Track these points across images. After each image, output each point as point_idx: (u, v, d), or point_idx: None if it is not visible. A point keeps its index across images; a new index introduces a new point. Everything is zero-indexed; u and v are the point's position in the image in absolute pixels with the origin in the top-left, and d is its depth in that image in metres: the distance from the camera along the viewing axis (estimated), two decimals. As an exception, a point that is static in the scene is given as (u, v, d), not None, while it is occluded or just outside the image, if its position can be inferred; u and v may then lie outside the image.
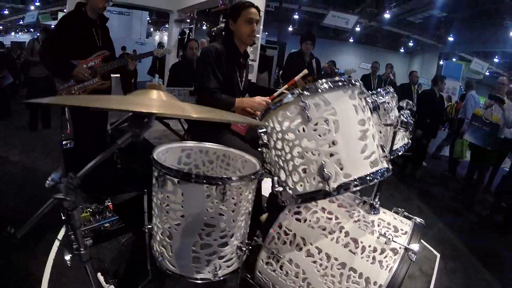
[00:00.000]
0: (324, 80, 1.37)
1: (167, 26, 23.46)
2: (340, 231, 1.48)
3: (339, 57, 21.88)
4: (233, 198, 1.46)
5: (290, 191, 1.48)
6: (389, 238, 1.38)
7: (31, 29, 24.36)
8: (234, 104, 2.22)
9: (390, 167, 1.47)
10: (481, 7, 14.40)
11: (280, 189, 1.53)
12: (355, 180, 1.34)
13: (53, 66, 2.89)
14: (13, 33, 25.64)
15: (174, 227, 1.42)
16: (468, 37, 17.09)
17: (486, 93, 21.37)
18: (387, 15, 16.81)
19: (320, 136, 1.36)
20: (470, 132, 4.87)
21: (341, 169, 1.35)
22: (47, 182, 0.84)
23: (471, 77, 17.08)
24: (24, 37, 22.17)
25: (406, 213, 1.73)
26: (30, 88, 6.10)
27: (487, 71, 15.63)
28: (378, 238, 1.42)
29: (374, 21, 18.09)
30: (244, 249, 1.51)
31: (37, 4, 19.25)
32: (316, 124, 1.36)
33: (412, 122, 1.59)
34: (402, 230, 1.49)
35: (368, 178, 1.35)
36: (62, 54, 2.78)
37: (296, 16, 19.09)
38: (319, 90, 1.36)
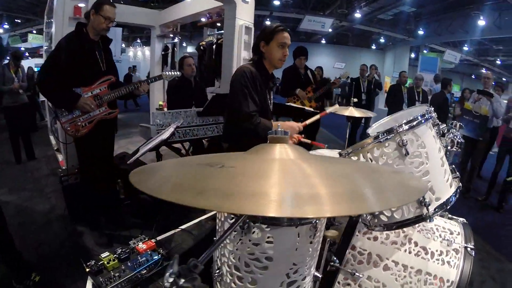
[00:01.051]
0: (418, 115, 1.49)
1: (139, 41, 23.21)
2: (410, 242, 1.60)
3: (313, 59, 21.94)
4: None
5: (385, 219, 1.56)
6: (451, 241, 1.54)
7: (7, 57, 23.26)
8: (271, 128, 2.10)
9: (460, 184, 1.64)
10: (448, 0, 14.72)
11: (369, 217, 1.60)
12: (444, 202, 1.50)
13: (55, 97, 2.64)
14: None
15: (259, 272, 1.30)
16: (437, 29, 17.54)
17: (458, 81, 22.10)
18: (357, 15, 17.01)
19: (415, 168, 1.48)
20: (463, 125, 4.97)
21: (433, 194, 1.49)
22: (166, 283, 0.65)
23: (445, 67, 17.62)
24: (-7, 62, 21.27)
25: (449, 215, 1.88)
26: (8, 119, 5.60)
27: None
28: (441, 242, 1.57)
29: (345, 21, 18.24)
30: (319, 276, 1.44)
31: (6, 26, 18.52)
32: (412, 158, 1.48)
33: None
34: (455, 231, 1.66)
35: (451, 199, 1.53)
36: (64, 82, 2.54)
37: (268, 22, 19.01)
38: (413, 125, 1.46)
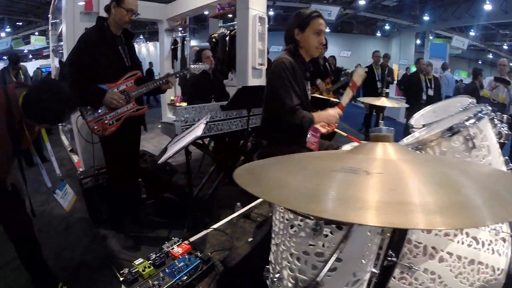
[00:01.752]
0: (482, 109, 1.52)
1: (141, 37, 22.94)
2: (462, 233, 1.57)
3: (317, 48, 21.80)
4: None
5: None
6: (498, 230, 1.54)
7: (4, 57, 23.35)
8: (314, 120, 2.03)
9: None
10: (454, -17, 14.44)
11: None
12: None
13: (79, 94, 2.39)
14: None
15: (327, 274, 1.25)
16: (443, 15, 17.22)
17: (465, 66, 21.79)
18: (362, 1, 16.72)
19: (481, 160, 1.51)
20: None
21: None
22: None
23: (451, 53, 17.33)
24: (-2, 66, 21.16)
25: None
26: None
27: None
28: (489, 232, 1.56)
29: (349, 8, 17.95)
30: (377, 271, 1.38)
31: (8, 30, 18.41)
32: (477, 151, 1.48)
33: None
34: (500, 220, 1.66)
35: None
36: (88, 78, 2.37)
37: (271, 12, 18.74)
38: (478, 118, 1.47)
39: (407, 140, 2.22)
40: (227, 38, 5.09)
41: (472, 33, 18.40)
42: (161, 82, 2.59)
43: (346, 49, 21.14)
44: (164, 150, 2.49)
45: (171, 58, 6.63)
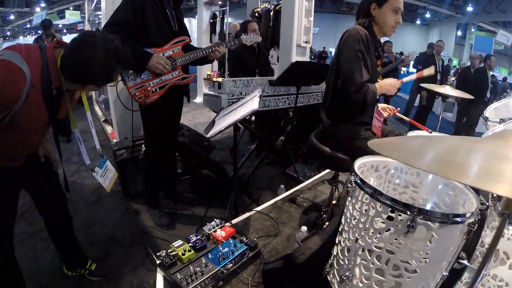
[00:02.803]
0: None
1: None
2: None
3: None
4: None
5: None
6: None
7: (39, 31, 23.63)
8: (377, 93, 1.86)
9: None
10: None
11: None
12: None
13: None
14: (21, 37, 24.88)
15: (407, 275, 1.18)
16: (487, 7, 16.26)
17: (506, 64, 20.76)
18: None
19: None
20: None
21: None
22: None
23: (496, 49, 16.37)
24: (32, 40, 21.48)
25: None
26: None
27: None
28: None
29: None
30: (446, 274, 1.25)
31: (43, 5, 18.56)
32: None
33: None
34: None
35: None
36: (132, 39, 2.09)
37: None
38: None
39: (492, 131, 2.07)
40: (271, 13, 4.77)
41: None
42: (209, 50, 2.31)
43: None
44: (212, 124, 2.23)
45: (209, 32, 6.35)
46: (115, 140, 3.89)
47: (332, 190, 2.42)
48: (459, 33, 19.62)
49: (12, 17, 19.96)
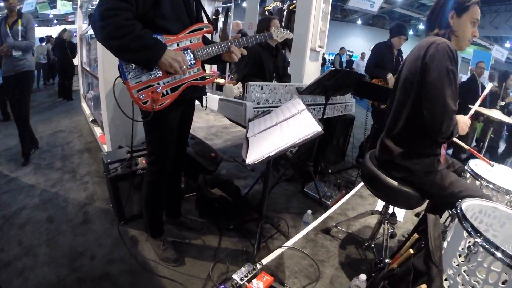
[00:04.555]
0: None
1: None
2: None
3: (347, 39, 20.84)
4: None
5: None
6: None
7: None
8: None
9: None
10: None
11: None
12: None
13: (126, 45, 1.43)
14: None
15: None
16: (481, 21, 16.17)
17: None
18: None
19: None
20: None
21: None
22: None
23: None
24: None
25: None
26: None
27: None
28: None
29: (385, 2, 16.91)
30: None
31: (33, -7, 17.69)
32: None
33: None
34: None
35: None
36: (140, 23, 1.49)
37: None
38: None
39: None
40: (284, 13, 4.29)
41: (508, 45, 17.33)
42: (229, 45, 1.73)
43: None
44: (246, 143, 1.71)
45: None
46: (105, 146, 3.32)
47: (380, 223, 1.99)
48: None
49: (1, 4, 19.03)
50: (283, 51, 4.38)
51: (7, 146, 4.16)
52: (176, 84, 1.63)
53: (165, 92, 1.61)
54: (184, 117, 1.90)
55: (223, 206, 2.35)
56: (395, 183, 1.62)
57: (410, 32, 21.28)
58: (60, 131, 4.87)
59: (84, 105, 5.64)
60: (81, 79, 5.96)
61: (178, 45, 1.62)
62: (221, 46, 1.71)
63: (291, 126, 1.65)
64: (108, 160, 2.27)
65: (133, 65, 1.55)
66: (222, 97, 2.48)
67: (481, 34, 16.84)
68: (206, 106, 1.91)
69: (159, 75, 1.59)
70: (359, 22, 21.41)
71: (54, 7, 17.49)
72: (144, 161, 2.29)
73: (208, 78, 1.74)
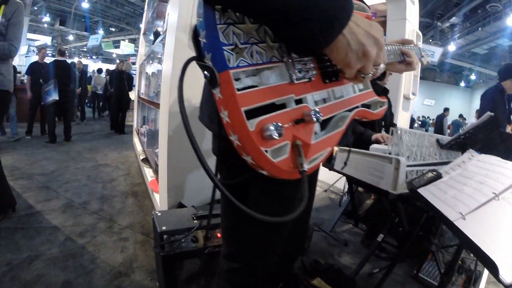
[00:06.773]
0: None
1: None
2: None
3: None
4: None
5: None
6: None
7: (93, 56, 24.17)
8: None
9: None
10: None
11: None
12: None
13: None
14: (76, 58, 25.60)
15: None
16: None
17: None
18: (451, 47, 14.78)
19: None
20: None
21: None
22: None
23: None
24: (86, 62, 21.54)
25: None
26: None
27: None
28: None
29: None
30: None
31: (100, 32, 18.73)
32: None
33: None
34: None
35: None
36: None
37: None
38: None
39: None
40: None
41: None
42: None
43: (429, 97, 18.76)
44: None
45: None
46: (157, 197, 2.60)
47: None
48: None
49: (70, 37, 20.17)
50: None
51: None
52: (341, 108, 0.73)
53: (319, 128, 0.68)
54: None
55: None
56: None
57: (462, 84, 20.12)
58: (105, 165, 4.25)
59: (136, 139, 5.03)
60: (135, 112, 5.35)
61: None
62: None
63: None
64: (163, 228, 1.48)
65: (252, 35, 0.57)
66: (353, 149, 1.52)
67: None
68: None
69: (313, 76, 0.66)
70: (411, 73, 20.52)
71: (118, 47, 18.25)
72: (219, 235, 1.52)
73: (380, 108, 0.87)
